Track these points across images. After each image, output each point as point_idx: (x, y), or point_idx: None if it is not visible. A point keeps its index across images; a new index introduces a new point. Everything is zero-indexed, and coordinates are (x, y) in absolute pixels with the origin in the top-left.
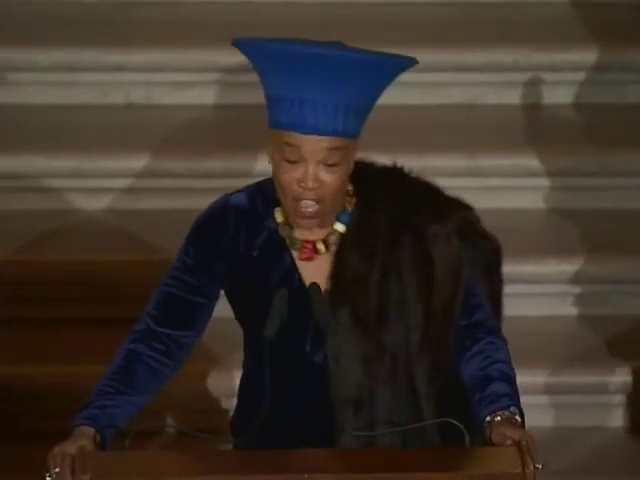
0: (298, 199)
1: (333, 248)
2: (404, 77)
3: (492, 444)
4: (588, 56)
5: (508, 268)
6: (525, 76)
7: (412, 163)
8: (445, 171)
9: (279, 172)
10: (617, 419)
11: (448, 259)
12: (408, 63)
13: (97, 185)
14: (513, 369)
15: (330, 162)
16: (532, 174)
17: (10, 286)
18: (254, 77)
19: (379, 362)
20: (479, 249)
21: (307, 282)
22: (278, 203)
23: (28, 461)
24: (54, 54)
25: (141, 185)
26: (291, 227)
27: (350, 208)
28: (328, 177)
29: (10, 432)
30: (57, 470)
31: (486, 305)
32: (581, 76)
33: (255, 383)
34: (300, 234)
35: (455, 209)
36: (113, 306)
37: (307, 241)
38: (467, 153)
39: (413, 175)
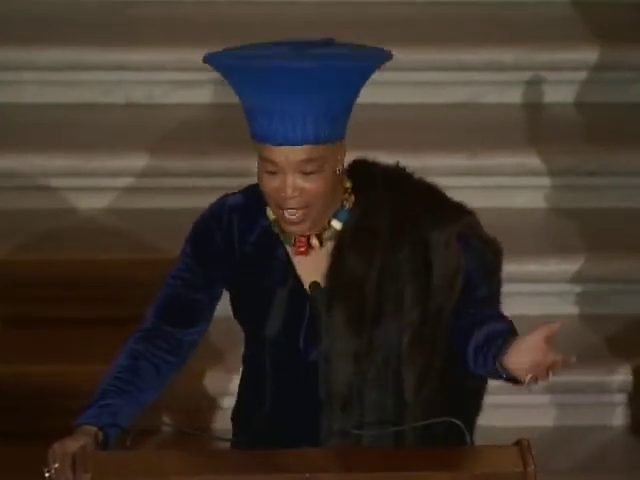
0: (282, 207)
1: (329, 245)
2: (405, 76)
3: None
4: (589, 55)
5: (509, 267)
6: (526, 75)
7: (413, 162)
8: (446, 170)
9: (261, 182)
10: (618, 418)
11: (446, 265)
12: (379, 61)
13: (98, 184)
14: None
15: (308, 170)
16: (533, 173)
17: (10, 285)
18: None
19: (369, 360)
20: (479, 253)
21: (303, 278)
22: None
23: (28, 461)
24: (55, 53)
25: (142, 184)
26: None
27: (348, 205)
28: (308, 184)
29: (10, 431)
30: (56, 466)
31: (492, 300)
32: (582, 75)
33: (255, 380)
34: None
35: (457, 215)
36: (114, 305)
37: (301, 235)
38: (468, 152)
39: (416, 176)
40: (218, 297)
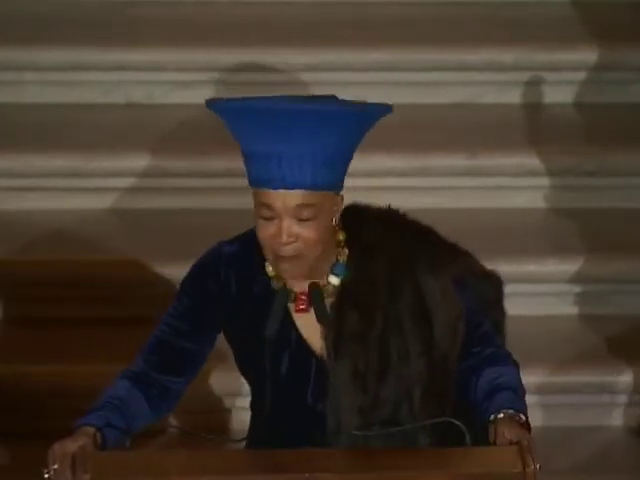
0: (277, 255)
1: (329, 301)
2: (404, 76)
3: (493, 443)
4: (588, 55)
5: (509, 268)
6: (525, 75)
7: (412, 162)
8: (445, 170)
9: (257, 229)
10: (618, 418)
11: (446, 315)
12: (379, 113)
13: (98, 184)
14: (524, 390)
15: (304, 217)
16: (532, 174)
17: (10, 285)
18: (253, 76)
19: (375, 414)
20: (478, 290)
21: (304, 335)
22: None
23: (28, 461)
24: (55, 53)
25: (142, 184)
26: (285, 280)
27: (342, 259)
28: (303, 231)
29: (10, 431)
30: (56, 467)
31: (495, 335)
32: (581, 75)
33: (261, 425)
34: (294, 287)
35: (451, 258)
36: (113, 305)
37: (302, 293)
38: (467, 152)
39: (408, 219)
40: (210, 347)
